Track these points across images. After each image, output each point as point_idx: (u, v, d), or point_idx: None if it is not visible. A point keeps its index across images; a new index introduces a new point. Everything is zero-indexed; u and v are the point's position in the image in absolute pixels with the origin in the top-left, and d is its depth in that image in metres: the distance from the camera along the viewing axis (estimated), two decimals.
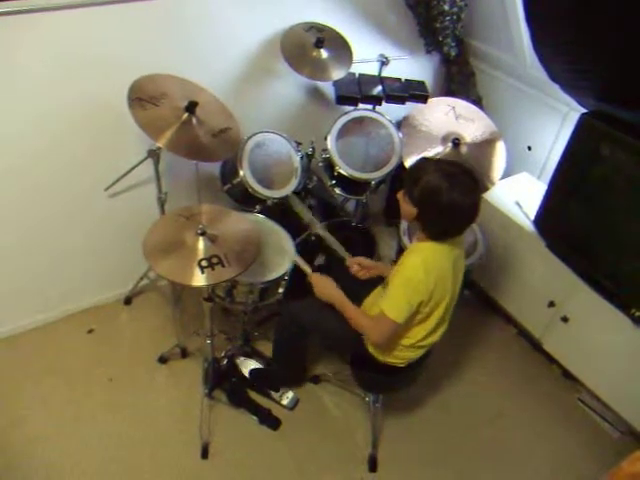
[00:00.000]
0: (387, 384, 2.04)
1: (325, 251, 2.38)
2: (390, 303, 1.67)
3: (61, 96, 1.99)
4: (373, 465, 2.11)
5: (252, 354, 2.40)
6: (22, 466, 1.99)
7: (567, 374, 2.46)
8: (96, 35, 1.94)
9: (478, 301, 2.79)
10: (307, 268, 2.03)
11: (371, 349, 1.88)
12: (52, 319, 2.51)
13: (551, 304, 2.37)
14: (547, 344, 2.48)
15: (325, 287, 1.89)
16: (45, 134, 2.04)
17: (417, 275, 1.61)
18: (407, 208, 1.66)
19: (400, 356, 1.85)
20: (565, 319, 2.32)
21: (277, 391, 2.29)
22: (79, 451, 2.05)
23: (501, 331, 2.72)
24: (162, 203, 2.20)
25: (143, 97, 1.86)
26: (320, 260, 2.40)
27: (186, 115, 1.92)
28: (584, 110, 2.05)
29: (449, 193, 1.54)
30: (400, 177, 2.37)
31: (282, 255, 2.16)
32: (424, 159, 1.75)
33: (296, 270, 2.08)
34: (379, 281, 1.95)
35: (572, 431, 2.32)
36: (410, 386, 2.11)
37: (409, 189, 1.64)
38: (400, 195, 1.70)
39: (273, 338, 2.21)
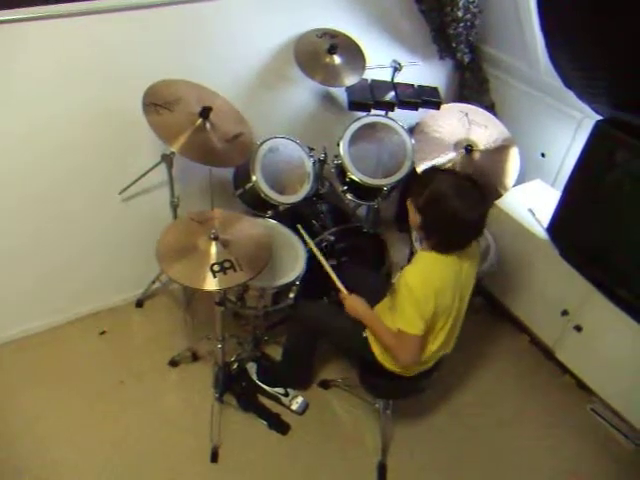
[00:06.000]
0: (395, 391, 2.04)
1: (336, 256, 2.38)
2: (403, 320, 1.66)
3: (76, 100, 2.02)
4: (382, 472, 2.10)
5: (262, 358, 2.40)
6: (34, 467, 2.01)
7: (580, 384, 2.42)
8: (113, 40, 1.97)
9: (490, 309, 2.77)
10: (342, 287, 1.95)
11: (378, 355, 1.88)
12: (64, 321, 2.54)
13: (564, 313, 2.34)
14: (560, 353, 2.45)
15: (357, 306, 1.86)
16: (60, 137, 2.07)
17: (416, 287, 1.62)
18: (412, 215, 1.68)
19: (406, 367, 1.84)
20: (579, 328, 2.29)
21: (282, 389, 2.28)
22: (90, 452, 2.07)
23: (513, 339, 2.69)
24: (175, 207, 2.22)
25: (158, 102, 1.89)
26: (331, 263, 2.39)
27: (200, 120, 1.93)
28: (599, 117, 2.03)
29: (453, 203, 1.54)
30: (412, 183, 2.36)
31: (293, 260, 2.16)
32: (435, 168, 1.75)
33: (330, 284, 1.99)
34: (385, 290, 1.95)
35: (585, 442, 2.28)
36: (419, 394, 2.09)
37: (416, 196, 1.65)
38: (408, 201, 1.70)
39: (284, 339, 2.22)
